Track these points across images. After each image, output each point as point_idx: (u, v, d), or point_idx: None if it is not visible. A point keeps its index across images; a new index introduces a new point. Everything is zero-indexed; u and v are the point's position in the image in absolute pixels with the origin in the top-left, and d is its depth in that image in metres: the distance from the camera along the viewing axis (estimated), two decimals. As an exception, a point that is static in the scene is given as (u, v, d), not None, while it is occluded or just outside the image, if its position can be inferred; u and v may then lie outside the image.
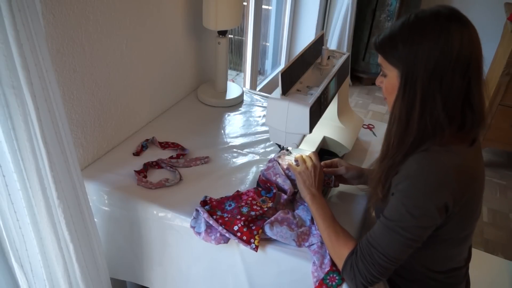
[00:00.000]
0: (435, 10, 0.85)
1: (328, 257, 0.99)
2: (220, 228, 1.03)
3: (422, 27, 0.84)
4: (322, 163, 1.21)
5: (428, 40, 0.82)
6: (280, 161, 1.24)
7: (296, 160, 1.18)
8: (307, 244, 1.03)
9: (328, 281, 0.96)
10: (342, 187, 1.28)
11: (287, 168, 1.22)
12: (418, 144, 0.87)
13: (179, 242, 1.14)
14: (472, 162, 0.90)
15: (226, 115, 1.61)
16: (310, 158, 1.15)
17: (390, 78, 0.91)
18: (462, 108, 0.85)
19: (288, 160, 1.25)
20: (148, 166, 1.27)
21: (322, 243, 1.02)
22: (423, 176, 0.84)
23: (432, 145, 0.86)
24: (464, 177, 0.86)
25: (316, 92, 1.16)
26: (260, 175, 1.21)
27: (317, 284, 0.97)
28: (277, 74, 3.07)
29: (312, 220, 1.07)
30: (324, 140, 1.40)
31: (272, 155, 1.29)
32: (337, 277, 0.96)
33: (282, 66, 3.37)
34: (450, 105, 0.84)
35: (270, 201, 1.10)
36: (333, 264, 0.98)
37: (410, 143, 0.87)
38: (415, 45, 0.83)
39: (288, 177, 1.19)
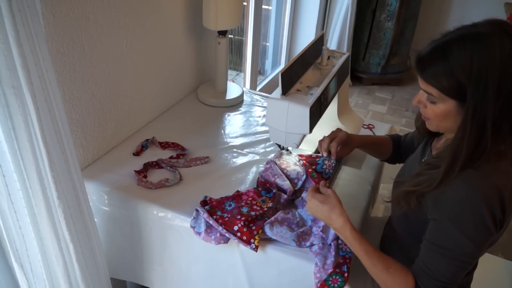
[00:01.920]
0: (496, 30, 0.78)
1: (332, 258, 0.99)
2: (220, 228, 1.03)
3: (488, 55, 0.77)
4: (325, 137, 1.19)
5: (498, 70, 0.76)
6: (277, 161, 1.23)
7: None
8: (308, 244, 1.03)
9: (330, 282, 0.96)
10: (342, 187, 1.28)
11: (285, 168, 1.22)
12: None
13: (179, 242, 1.14)
14: None
15: (226, 115, 1.61)
16: (311, 192, 1.02)
17: (444, 106, 0.85)
18: None
19: (284, 159, 1.25)
20: (148, 166, 1.27)
21: (323, 244, 1.02)
22: (477, 198, 0.82)
23: (481, 162, 0.83)
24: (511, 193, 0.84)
25: (316, 92, 1.16)
26: (258, 177, 1.21)
27: (318, 285, 0.96)
28: (277, 74, 3.07)
29: (314, 220, 1.06)
30: (324, 140, 1.40)
31: (272, 155, 1.29)
32: (339, 279, 0.96)
33: (282, 66, 3.37)
34: None
35: (270, 201, 1.10)
36: (336, 266, 0.98)
37: (473, 162, 0.83)
38: (484, 77, 0.77)
39: (287, 176, 1.19)
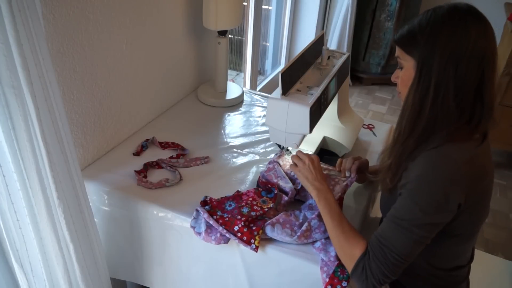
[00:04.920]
0: (453, 5, 0.88)
1: (334, 252, 0.99)
2: (220, 228, 1.03)
3: (440, 19, 0.87)
4: (348, 158, 1.22)
5: (446, 30, 0.85)
6: (281, 162, 1.23)
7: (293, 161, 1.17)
8: (310, 240, 1.03)
9: (339, 273, 0.97)
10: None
11: (289, 169, 1.21)
12: (429, 133, 0.88)
13: (179, 242, 1.14)
14: (482, 159, 0.91)
15: (226, 115, 1.61)
16: (306, 154, 1.12)
17: (406, 69, 0.93)
18: (473, 100, 0.87)
19: (287, 160, 1.25)
20: (148, 166, 1.27)
21: (325, 239, 1.02)
22: (435, 173, 0.85)
23: (443, 142, 0.87)
24: (475, 173, 0.87)
25: (316, 92, 1.16)
26: (259, 177, 1.21)
27: (327, 279, 0.97)
28: (277, 74, 3.07)
29: (318, 216, 1.06)
30: (324, 140, 1.40)
31: (272, 155, 1.29)
32: (345, 270, 0.97)
33: (282, 66, 3.37)
34: (462, 94, 0.85)
35: (270, 202, 1.10)
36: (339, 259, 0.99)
37: (421, 130, 0.89)
38: (433, 35, 0.86)
39: (290, 178, 1.18)
